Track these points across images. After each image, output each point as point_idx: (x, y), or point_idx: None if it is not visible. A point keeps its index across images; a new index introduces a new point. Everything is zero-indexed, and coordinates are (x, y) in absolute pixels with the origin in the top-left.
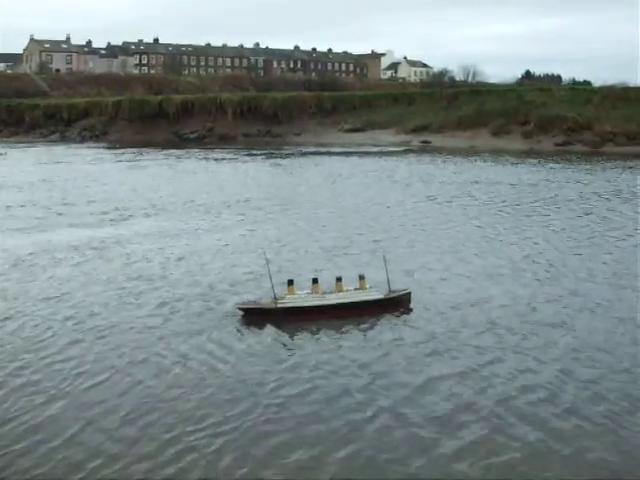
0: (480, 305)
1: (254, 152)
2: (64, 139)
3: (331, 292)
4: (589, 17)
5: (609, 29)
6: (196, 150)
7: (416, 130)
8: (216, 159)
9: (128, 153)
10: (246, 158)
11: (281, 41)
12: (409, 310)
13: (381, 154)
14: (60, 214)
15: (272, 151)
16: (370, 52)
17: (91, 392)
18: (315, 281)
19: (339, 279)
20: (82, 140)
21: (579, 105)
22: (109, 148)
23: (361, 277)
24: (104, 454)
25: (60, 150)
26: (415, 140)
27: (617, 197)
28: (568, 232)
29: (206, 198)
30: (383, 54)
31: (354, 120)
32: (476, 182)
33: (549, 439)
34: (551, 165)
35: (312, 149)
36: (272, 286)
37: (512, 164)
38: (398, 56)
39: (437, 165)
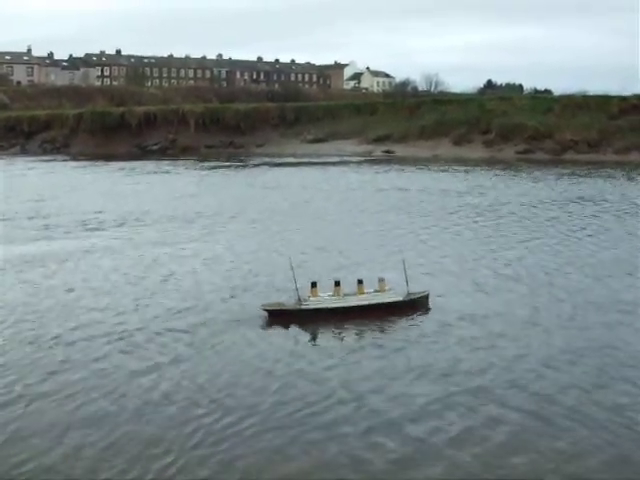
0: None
1: (211, 164)
2: (25, 152)
3: (353, 294)
4: (552, 28)
5: (572, 39)
6: (152, 162)
7: (378, 140)
8: (171, 172)
9: (80, 166)
10: (193, 171)
11: (244, 52)
12: (427, 311)
13: (341, 164)
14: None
15: (232, 163)
16: (333, 63)
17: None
18: (337, 283)
19: (360, 281)
20: (43, 152)
21: (540, 114)
22: (65, 160)
23: (381, 280)
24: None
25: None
26: (377, 150)
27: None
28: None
29: (156, 211)
30: (346, 65)
31: (317, 131)
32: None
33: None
34: (514, 172)
35: (275, 160)
36: (296, 288)
37: (467, 172)
38: (361, 66)
39: (397, 174)
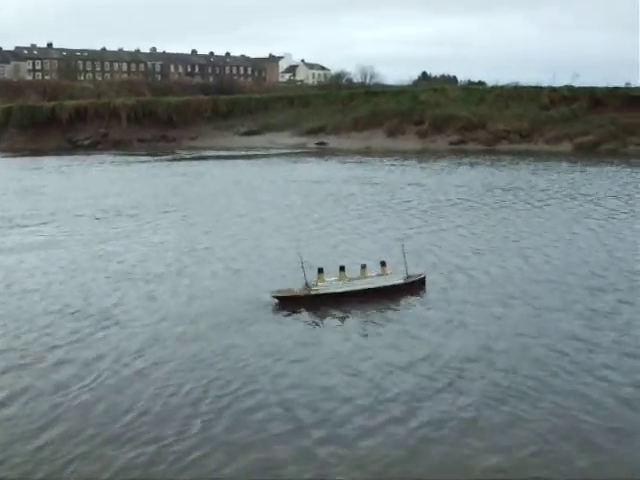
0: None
1: (135, 158)
2: None
3: (357, 278)
4: (487, 20)
5: (505, 31)
6: (76, 157)
7: (312, 132)
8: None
9: None
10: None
11: (178, 45)
12: (424, 292)
13: (273, 156)
14: None
15: (156, 157)
16: (268, 56)
17: None
18: (342, 269)
19: (364, 266)
20: None
21: (473, 104)
22: None
23: (382, 263)
24: None
25: None
26: (311, 142)
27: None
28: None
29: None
30: (281, 57)
31: (250, 123)
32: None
33: None
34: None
35: (206, 153)
36: (304, 275)
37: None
38: (296, 59)
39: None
